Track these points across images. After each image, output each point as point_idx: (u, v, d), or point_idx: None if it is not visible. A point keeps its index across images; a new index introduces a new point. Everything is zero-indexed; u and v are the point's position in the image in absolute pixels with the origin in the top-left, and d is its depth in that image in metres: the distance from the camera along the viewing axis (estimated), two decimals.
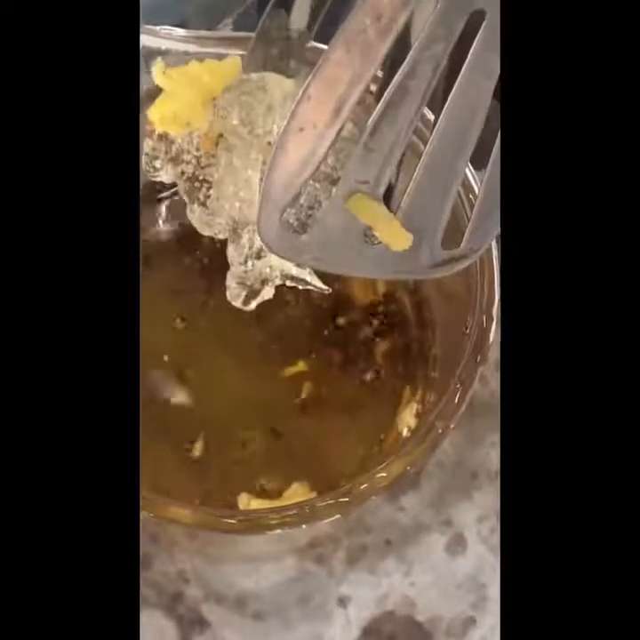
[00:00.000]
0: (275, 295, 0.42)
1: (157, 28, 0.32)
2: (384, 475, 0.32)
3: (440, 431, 0.33)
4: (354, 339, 0.42)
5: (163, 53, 0.31)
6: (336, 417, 0.41)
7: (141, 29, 0.31)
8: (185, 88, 0.28)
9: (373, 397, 0.41)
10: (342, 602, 0.45)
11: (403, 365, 0.42)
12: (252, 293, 0.31)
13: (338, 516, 0.32)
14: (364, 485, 0.32)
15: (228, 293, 0.31)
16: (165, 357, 0.41)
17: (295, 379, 0.41)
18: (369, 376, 0.42)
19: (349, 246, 0.29)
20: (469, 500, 0.46)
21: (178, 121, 0.29)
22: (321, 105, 0.27)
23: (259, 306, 0.42)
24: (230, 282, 0.31)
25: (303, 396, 0.41)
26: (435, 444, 0.33)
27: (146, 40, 0.31)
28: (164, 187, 0.37)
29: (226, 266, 0.32)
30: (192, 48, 0.31)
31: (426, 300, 0.42)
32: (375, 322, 0.42)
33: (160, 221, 0.42)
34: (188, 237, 0.40)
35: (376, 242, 0.29)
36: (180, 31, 0.32)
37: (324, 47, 0.27)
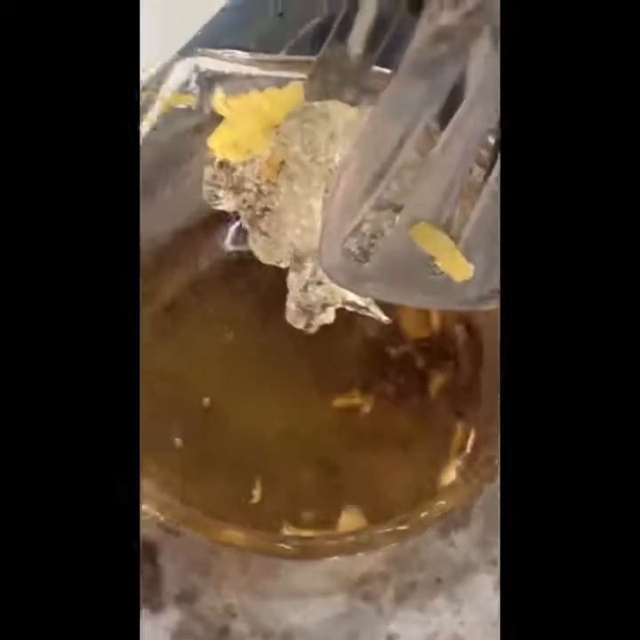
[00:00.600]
0: (326, 330, 0.42)
1: (219, 51, 0.32)
2: (443, 503, 0.32)
3: (497, 463, 0.32)
4: (407, 372, 0.42)
5: (226, 77, 0.31)
6: (389, 450, 0.40)
7: (204, 52, 0.32)
8: (245, 116, 0.29)
9: (426, 431, 0.41)
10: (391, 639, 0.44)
11: (456, 400, 0.41)
12: (312, 317, 0.31)
13: (395, 544, 0.32)
14: (424, 513, 0.32)
15: (287, 315, 0.31)
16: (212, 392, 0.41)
17: (348, 411, 0.41)
18: (422, 410, 0.41)
19: (411, 276, 0.29)
20: None
21: (238, 148, 0.29)
22: (385, 131, 0.27)
23: (310, 337, 0.42)
24: (290, 305, 0.31)
25: (356, 428, 0.41)
26: (492, 474, 0.33)
27: (209, 63, 0.31)
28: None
29: (283, 294, 0.32)
30: (254, 71, 0.31)
31: (479, 334, 0.42)
32: (428, 355, 0.42)
33: (223, 249, 0.42)
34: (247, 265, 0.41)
35: (438, 272, 0.29)
36: (242, 54, 0.32)
37: (386, 71, 0.27)
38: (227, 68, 0.33)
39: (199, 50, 0.33)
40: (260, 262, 0.32)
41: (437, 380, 0.42)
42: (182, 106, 0.32)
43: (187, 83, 0.33)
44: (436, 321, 0.42)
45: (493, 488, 0.45)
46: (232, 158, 0.29)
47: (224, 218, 0.40)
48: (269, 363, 0.41)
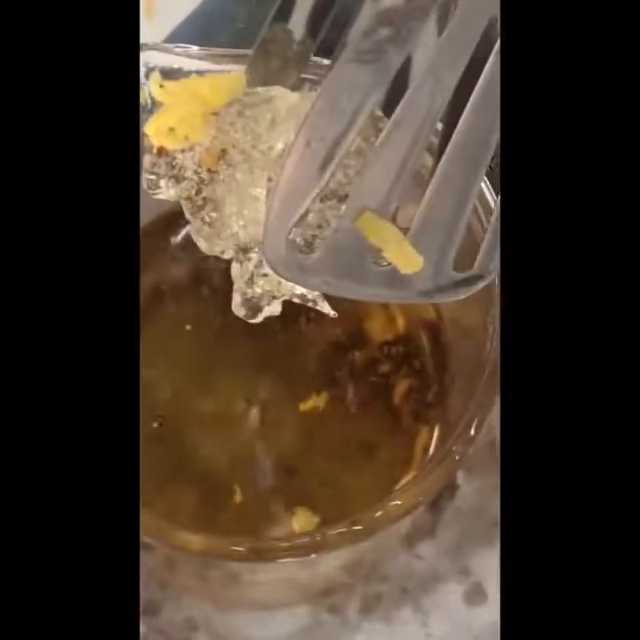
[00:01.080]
0: (289, 331, 0.41)
1: (170, 45, 0.31)
2: (398, 503, 0.31)
3: (457, 458, 0.32)
4: (370, 376, 0.41)
5: (175, 71, 0.31)
6: (351, 454, 0.39)
7: (153, 47, 0.31)
8: (183, 102, 0.28)
9: (389, 436, 0.40)
10: None
11: (420, 404, 0.41)
12: (258, 308, 0.30)
13: (350, 544, 0.31)
14: (379, 513, 0.31)
15: (232, 305, 0.30)
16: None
17: (309, 415, 0.40)
18: (385, 415, 0.40)
19: (357, 268, 0.28)
20: (490, 547, 0.44)
21: (175, 135, 0.28)
22: (330, 118, 0.26)
23: (272, 341, 0.42)
24: (236, 296, 0.30)
25: (316, 432, 0.40)
26: (450, 472, 0.32)
27: (158, 58, 0.31)
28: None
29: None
30: (205, 65, 0.30)
31: (444, 336, 0.41)
32: (392, 359, 0.41)
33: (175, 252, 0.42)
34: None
35: (384, 263, 0.28)
36: (195, 48, 0.32)
37: (326, 61, 0.26)
38: (176, 62, 0.32)
39: (148, 44, 0.32)
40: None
41: (402, 385, 0.41)
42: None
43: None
44: (400, 324, 0.41)
45: (461, 496, 0.45)
46: (169, 145, 0.28)
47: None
48: (231, 372, 0.41)
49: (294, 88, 0.29)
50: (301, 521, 0.37)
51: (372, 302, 0.41)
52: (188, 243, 0.41)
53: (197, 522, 0.37)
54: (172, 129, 0.28)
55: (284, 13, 0.29)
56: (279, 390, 0.41)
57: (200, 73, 0.29)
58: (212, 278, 0.42)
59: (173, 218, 0.39)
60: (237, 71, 0.29)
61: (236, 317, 0.41)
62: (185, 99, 0.28)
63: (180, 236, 0.41)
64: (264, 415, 0.40)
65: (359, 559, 0.42)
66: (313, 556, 0.31)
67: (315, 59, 0.30)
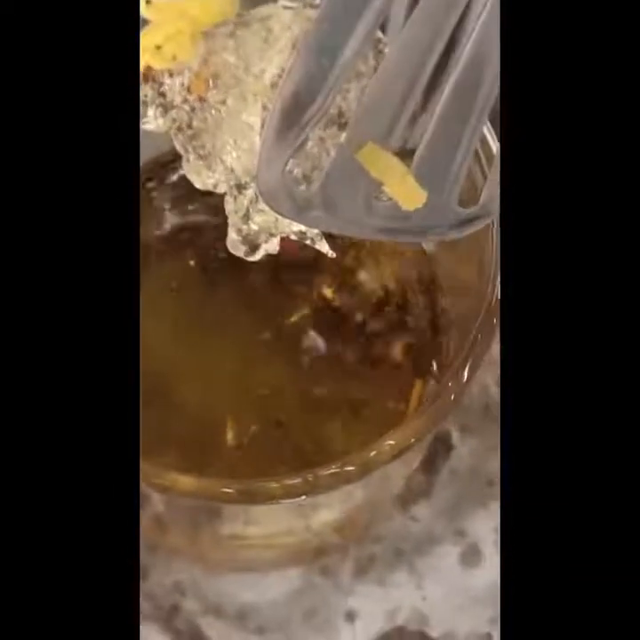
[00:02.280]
0: (281, 293, 0.40)
1: None
2: (391, 443, 0.30)
3: (451, 397, 0.31)
4: (362, 332, 0.40)
5: None
6: (341, 413, 0.38)
7: None
8: (171, 20, 0.26)
9: (382, 393, 0.39)
10: (350, 616, 0.42)
11: (414, 360, 0.40)
12: (255, 245, 0.29)
13: (342, 484, 0.30)
14: (372, 453, 0.30)
15: (228, 242, 0.29)
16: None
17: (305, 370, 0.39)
18: (378, 373, 0.39)
19: (356, 202, 0.26)
20: (485, 509, 0.43)
21: (162, 53, 0.26)
22: (328, 37, 0.24)
23: (263, 304, 0.40)
24: (231, 233, 0.28)
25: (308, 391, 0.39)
26: (444, 412, 0.31)
27: None
28: None
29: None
30: None
31: (438, 290, 0.40)
32: (384, 314, 0.40)
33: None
34: None
35: (385, 199, 0.26)
36: None
37: None
38: None
39: None
40: None
41: (394, 339, 0.40)
42: None
43: None
44: (391, 279, 0.40)
45: (456, 457, 0.44)
46: (155, 64, 0.27)
47: None
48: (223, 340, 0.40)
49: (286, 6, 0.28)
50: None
51: (366, 255, 0.40)
52: (177, 193, 0.41)
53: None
54: (158, 47, 0.26)
55: None
56: (269, 348, 0.40)
57: None
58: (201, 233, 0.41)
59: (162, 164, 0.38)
60: None
61: (225, 275, 0.40)
62: (173, 16, 0.26)
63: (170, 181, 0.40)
64: (254, 374, 0.39)
65: (352, 520, 0.41)
66: (303, 497, 0.30)
67: None
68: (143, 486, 0.31)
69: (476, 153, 0.30)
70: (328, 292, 0.41)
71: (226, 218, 0.29)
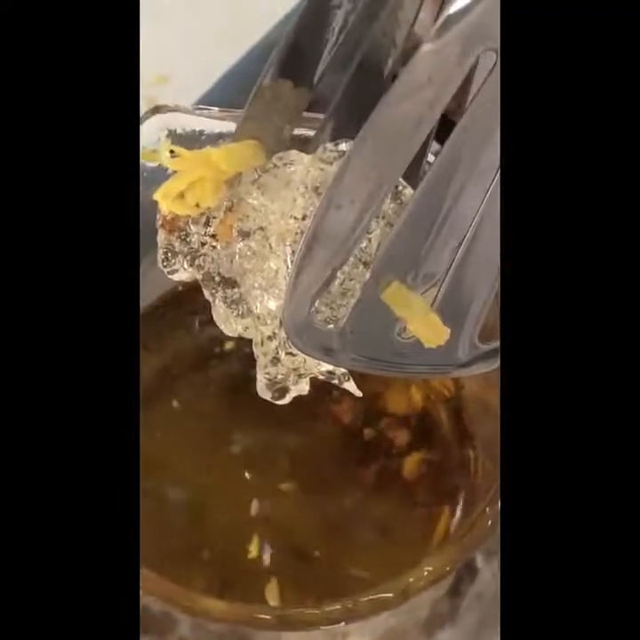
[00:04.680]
0: (301, 411, 0.40)
1: (191, 107, 0.30)
2: (430, 569, 0.30)
3: (489, 523, 0.31)
4: (386, 455, 0.40)
5: (197, 134, 0.30)
6: (367, 539, 0.38)
7: (175, 108, 0.30)
8: (195, 169, 0.27)
9: (408, 518, 0.38)
10: None
11: (440, 484, 0.39)
12: (284, 389, 0.28)
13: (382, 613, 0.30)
14: (411, 579, 0.30)
15: (257, 387, 0.28)
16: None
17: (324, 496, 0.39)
18: (402, 495, 0.39)
19: (382, 341, 0.26)
20: None
21: (185, 201, 0.27)
22: (363, 178, 0.25)
23: (287, 421, 0.40)
24: (260, 377, 0.28)
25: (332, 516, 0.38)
26: (479, 539, 0.32)
27: (179, 120, 0.30)
28: None
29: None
30: (228, 127, 0.29)
31: (465, 412, 0.40)
32: (409, 437, 0.40)
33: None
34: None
35: (408, 337, 0.26)
36: (216, 110, 0.31)
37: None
38: (198, 124, 0.31)
39: (167, 105, 0.31)
40: None
41: (419, 462, 0.39)
42: (152, 165, 0.30)
43: (157, 141, 0.31)
44: (417, 399, 0.40)
45: (480, 581, 0.43)
46: (179, 211, 0.27)
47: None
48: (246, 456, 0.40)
49: (308, 151, 0.28)
50: None
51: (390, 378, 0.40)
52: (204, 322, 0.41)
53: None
54: (181, 194, 0.27)
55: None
56: (291, 471, 0.39)
57: (217, 140, 0.28)
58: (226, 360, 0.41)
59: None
60: (251, 142, 0.28)
61: (247, 394, 0.39)
62: (196, 165, 0.27)
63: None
64: (276, 497, 0.39)
65: None
66: (342, 624, 0.30)
67: (306, 114, 0.29)
68: (171, 610, 0.30)
69: None
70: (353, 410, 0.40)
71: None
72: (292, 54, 0.29)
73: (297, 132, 0.29)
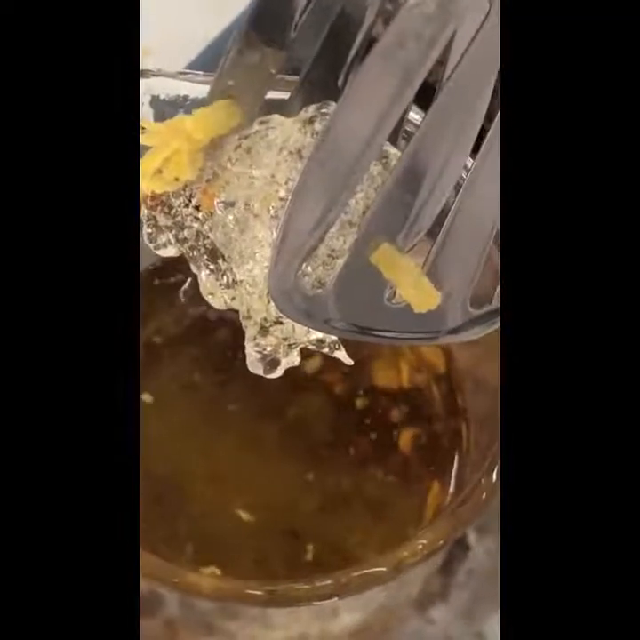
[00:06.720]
0: (291, 385, 0.39)
1: (174, 71, 0.30)
2: (424, 542, 0.29)
3: (483, 496, 0.30)
4: (377, 429, 0.39)
5: (182, 99, 0.29)
6: (360, 513, 0.37)
7: (157, 73, 0.29)
8: (170, 142, 0.26)
9: (399, 493, 0.38)
10: None
11: (431, 458, 0.39)
12: (275, 361, 0.28)
13: (375, 587, 0.29)
14: (404, 553, 0.29)
15: (247, 362, 0.28)
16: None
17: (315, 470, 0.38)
18: (394, 470, 0.38)
19: (370, 306, 0.26)
20: None
21: (163, 177, 0.26)
22: (348, 138, 0.24)
23: (275, 398, 0.40)
24: (250, 350, 0.28)
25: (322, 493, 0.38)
26: (474, 513, 0.31)
27: (163, 84, 0.29)
28: None
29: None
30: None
31: (457, 385, 0.39)
32: (400, 411, 0.39)
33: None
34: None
35: (398, 301, 0.26)
36: (200, 74, 0.30)
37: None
38: (182, 89, 0.30)
39: (153, 70, 0.30)
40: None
41: (410, 437, 0.39)
42: None
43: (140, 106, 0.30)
44: (407, 373, 0.40)
45: (473, 558, 0.43)
46: (159, 189, 0.26)
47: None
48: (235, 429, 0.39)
49: (286, 114, 0.27)
50: None
51: (380, 348, 0.40)
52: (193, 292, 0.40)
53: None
54: (159, 171, 0.26)
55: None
56: (281, 445, 0.39)
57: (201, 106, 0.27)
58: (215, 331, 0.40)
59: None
60: (224, 103, 0.27)
61: (237, 369, 0.39)
62: (170, 137, 0.26)
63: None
64: (266, 470, 0.38)
65: (368, 625, 0.39)
66: (335, 599, 0.29)
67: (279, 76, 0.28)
68: (159, 587, 0.30)
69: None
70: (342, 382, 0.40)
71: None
72: (263, 15, 0.28)
73: (272, 95, 0.29)
